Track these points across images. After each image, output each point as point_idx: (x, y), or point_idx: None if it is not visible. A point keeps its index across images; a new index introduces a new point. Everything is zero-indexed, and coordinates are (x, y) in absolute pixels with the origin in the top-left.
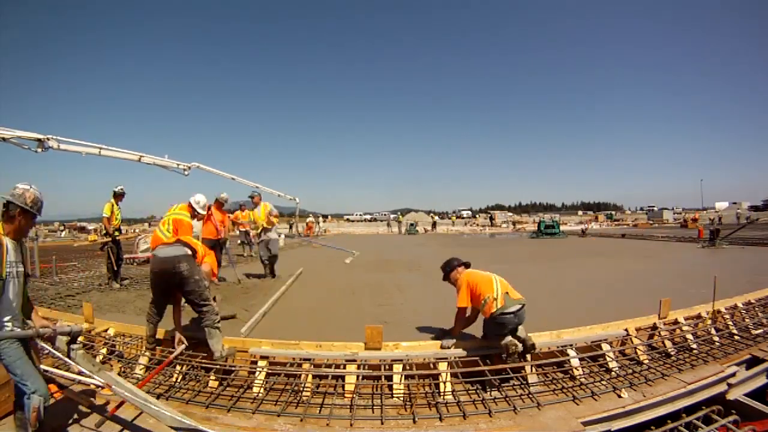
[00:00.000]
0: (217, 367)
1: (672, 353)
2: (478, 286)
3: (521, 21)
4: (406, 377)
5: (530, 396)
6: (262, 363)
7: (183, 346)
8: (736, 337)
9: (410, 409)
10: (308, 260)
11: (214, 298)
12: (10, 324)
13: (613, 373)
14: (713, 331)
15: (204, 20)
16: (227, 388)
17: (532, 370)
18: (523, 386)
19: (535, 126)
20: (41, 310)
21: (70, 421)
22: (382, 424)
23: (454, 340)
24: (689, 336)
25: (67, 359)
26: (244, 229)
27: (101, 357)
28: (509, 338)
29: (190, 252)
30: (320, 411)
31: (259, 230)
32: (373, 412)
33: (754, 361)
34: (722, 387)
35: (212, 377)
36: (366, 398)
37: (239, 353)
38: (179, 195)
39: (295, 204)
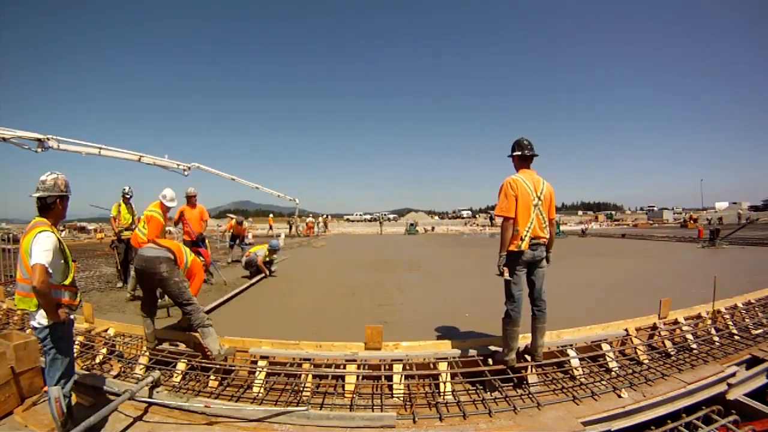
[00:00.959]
0: (217, 366)
1: (672, 353)
2: (518, 201)
3: (521, 21)
4: (406, 377)
5: (530, 396)
6: (262, 363)
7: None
8: (736, 337)
9: (410, 409)
10: (308, 261)
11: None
12: (78, 300)
13: (613, 373)
14: (713, 331)
15: (205, 20)
16: (227, 388)
17: (532, 370)
18: (523, 386)
19: (535, 126)
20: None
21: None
22: None
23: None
24: (689, 336)
25: None
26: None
27: (101, 357)
28: (513, 356)
29: (172, 256)
30: (320, 411)
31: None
32: (373, 412)
33: (754, 361)
34: (722, 387)
35: (212, 377)
36: (366, 398)
37: (239, 353)
38: (179, 196)
39: (295, 205)
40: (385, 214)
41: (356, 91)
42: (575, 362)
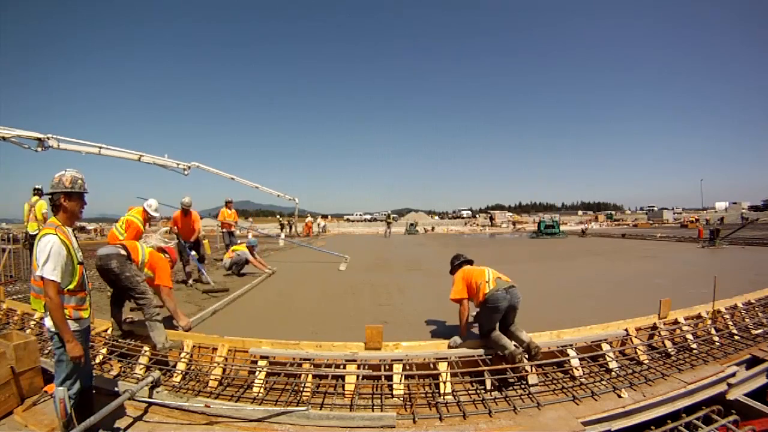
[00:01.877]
0: (158, 358)
1: (672, 353)
2: (472, 277)
3: (521, 21)
4: (406, 377)
5: (530, 396)
6: (262, 363)
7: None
8: (736, 337)
9: (410, 409)
10: (308, 261)
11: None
12: (88, 310)
13: (613, 373)
14: (713, 331)
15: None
16: (227, 388)
17: (532, 370)
18: (523, 386)
19: (535, 126)
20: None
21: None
22: None
23: (461, 341)
24: (689, 336)
25: None
26: (228, 230)
27: (101, 357)
28: (512, 348)
29: (124, 252)
30: (320, 411)
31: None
32: (373, 412)
33: (754, 361)
34: (722, 387)
35: (212, 377)
36: (366, 398)
37: (239, 353)
38: (179, 195)
39: (295, 204)
40: (391, 214)
41: (357, 90)
42: (575, 362)
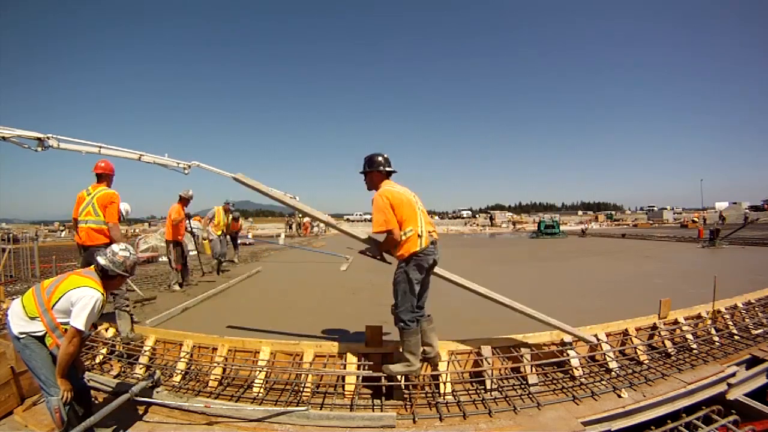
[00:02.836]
0: (120, 350)
1: (672, 353)
2: (402, 211)
3: (521, 21)
4: (406, 377)
5: (530, 396)
6: (262, 363)
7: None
8: (736, 337)
9: (410, 409)
10: (308, 261)
11: None
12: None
13: (613, 373)
14: (713, 331)
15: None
16: (227, 388)
17: (532, 370)
18: (523, 386)
19: (536, 126)
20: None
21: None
22: None
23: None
24: (689, 336)
25: None
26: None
27: (101, 357)
28: (418, 366)
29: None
30: (320, 411)
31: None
32: (373, 412)
33: (754, 361)
34: (722, 387)
35: (212, 377)
36: (366, 398)
37: (239, 353)
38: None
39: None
40: None
41: (357, 90)
42: (575, 362)
